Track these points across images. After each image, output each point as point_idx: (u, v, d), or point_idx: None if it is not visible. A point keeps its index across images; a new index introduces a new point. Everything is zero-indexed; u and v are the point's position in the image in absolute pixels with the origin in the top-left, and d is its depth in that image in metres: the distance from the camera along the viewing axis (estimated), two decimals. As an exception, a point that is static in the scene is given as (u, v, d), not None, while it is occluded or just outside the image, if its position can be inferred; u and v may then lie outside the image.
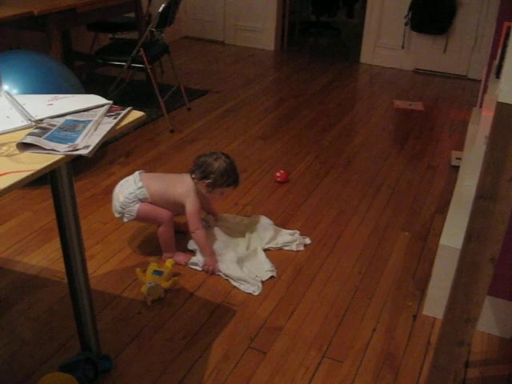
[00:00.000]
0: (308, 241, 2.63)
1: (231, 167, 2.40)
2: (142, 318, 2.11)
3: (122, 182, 2.45)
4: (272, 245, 2.55)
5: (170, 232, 2.42)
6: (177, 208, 2.42)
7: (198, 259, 2.41)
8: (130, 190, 2.36)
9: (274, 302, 2.23)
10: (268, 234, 2.58)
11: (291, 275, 2.39)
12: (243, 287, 2.29)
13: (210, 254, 2.39)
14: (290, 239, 2.59)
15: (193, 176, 2.40)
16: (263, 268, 2.39)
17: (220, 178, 2.36)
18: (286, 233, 2.64)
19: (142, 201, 2.37)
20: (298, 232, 2.66)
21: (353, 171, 3.35)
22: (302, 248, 2.58)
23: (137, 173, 2.44)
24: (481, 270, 1.37)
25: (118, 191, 2.41)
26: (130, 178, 2.43)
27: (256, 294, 2.26)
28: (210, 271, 2.37)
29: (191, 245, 2.52)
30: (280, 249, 2.56)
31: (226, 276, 2.35)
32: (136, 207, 2.36)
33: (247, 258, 2.43)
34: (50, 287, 2.25)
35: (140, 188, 2.36)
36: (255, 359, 1.94)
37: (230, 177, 2.39)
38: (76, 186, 1.64)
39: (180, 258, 2.44)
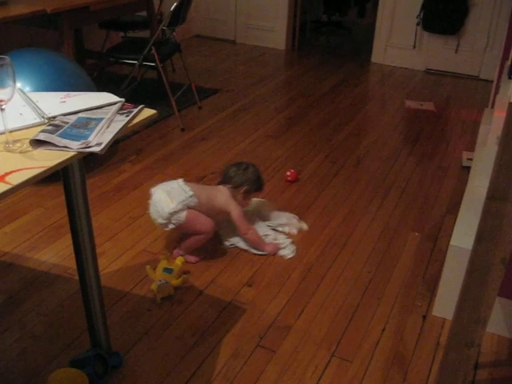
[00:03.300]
0: (305, 226, 2.73)
1: (259, 174, 2.64)
2: (152, 316, 2.12)
3: (163, 188, 2.44)
4: (269, 223, 2.71)
5: (205, 240, 2.45)
6: (219, 216, 2.54)
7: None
8: (181, 198, 2.37)
9: (284, 301, 2.23)
10: (266, 214, 2.75)
11: (301, 274, 2.39)
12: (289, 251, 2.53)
13: (268, 245, 2.54)
14: (285, 221, 2.71)
15: (227, 186, 2.56)
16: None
17: (253, 184, 2.58)
18: (283, 215, 2.76)
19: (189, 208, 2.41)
20: (297, 217, 2.77)
21: (363, 171, 3.34)
22: (294, 231, 2.68)
23: (181, 181, 2.47)
24: (491, 271, 1.37)
25: (162, 198, 2.39)
26: (174, 185, 2.44)
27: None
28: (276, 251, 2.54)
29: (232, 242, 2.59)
30: (274, 229, 2.67)
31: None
32: (184, 214, 2.37)
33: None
34: (61, 283, 2.27)
35: (191, 196, 2.40)
36: (264, 358, 1.95)
37: (260, 183, 2.63)
38: (87, 183, 1.65)
39: (192, 257, 2.45)
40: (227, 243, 2.58)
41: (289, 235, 2.65)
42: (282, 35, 6.02)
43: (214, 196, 2.51)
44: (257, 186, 2.61)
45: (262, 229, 2.63)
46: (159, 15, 4.61)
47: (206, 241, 2.46)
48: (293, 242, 2.59)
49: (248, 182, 2.56)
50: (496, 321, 2.07)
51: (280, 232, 2.66)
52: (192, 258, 2.44)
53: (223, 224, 2.62)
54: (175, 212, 2.35)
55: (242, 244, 2.56)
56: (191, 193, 2.40)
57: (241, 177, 2.56)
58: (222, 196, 2.52)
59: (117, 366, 1.86)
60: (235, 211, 2.51)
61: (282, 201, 2.96)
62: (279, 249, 2.54)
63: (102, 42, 4.85)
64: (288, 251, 2.53)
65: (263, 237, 2.58)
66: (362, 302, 2.24)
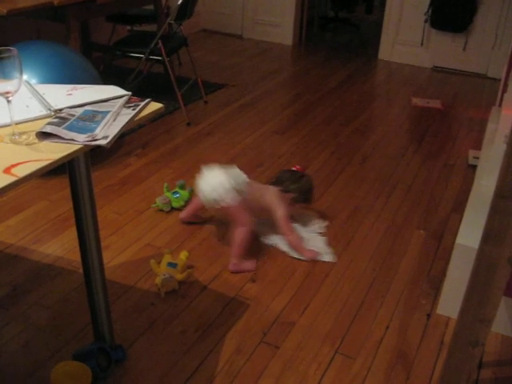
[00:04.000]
0: (326, 223, 2.74)
1: (311, 187, 2.66)
2: (156, 310, 2.12)
3: (218, 169, 2.45)
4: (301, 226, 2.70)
5: (248, 235, 2.42)
6: (262, 214, 2.55)
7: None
8: (239, 180, 2.43)
9: (288, 297, 2.23)
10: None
11: (305, 271, 2.39)
12: (329, 257, 2.50)
13: (307, 251, 2.49)
14: (313, 221, 2.73)
15: (278, 188, 2.58)
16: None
17: (302, 194, 2.61)
18: (307, 214, 2.77)
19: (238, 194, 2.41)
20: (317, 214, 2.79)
21: (369, 168, 3.33)
22: (323, 230, 2.69)
23: (235, 167, 2.52)
24: (497, 271, 1.36)
25: (220, 175, 2.41)
26: (231, 169, 2.48)
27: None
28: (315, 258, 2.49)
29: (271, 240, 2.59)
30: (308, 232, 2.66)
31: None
32: (237, 197, 2.38)
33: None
34: (65, 276, 2.27)
35: (247, 182, 2.45)
36: (268, 353, 1.94)
37: (309, 195, 2.66)
38: (92, 176, 1.64)
39: (248, 265, 2.40)
40: (268, 242, 2.57)
41: (322, 234, 2.64)
42: (289, 31, 6.00)
43: (263, 192, 2.55)
44: (305, 197, 2.63)
45: (298, 231, 2.62)
46: (166, 9, 4.60)
47: (249, 236, 2.42)
48: (329, 245, 2.57)
49: (298, 190, 2.59)
50: (501, 320, 2.06)
51: (315, 233, 2.65)
52: (250, 265, 2.39)
53: (265, 222, 2.61)
54: (232, 190, 2.37)
55: (281, 245, 2.54)
56: (247, 179, 2.46)
57: (293, 183, 2.59)
58: (271, 194, 2.55)
59: (120, 360, 1.86)
60: (281, 212, 2.51)
61: (287, 197, 2.95)
62: (319, 255, 2.49)
63: (109, 36, 4.84)
64: (327, 258, 2.48)
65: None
66: (366, 300, 2.24)
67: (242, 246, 2.39)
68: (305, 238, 2.58)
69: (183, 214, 2.66)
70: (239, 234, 2.40)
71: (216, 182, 2.39)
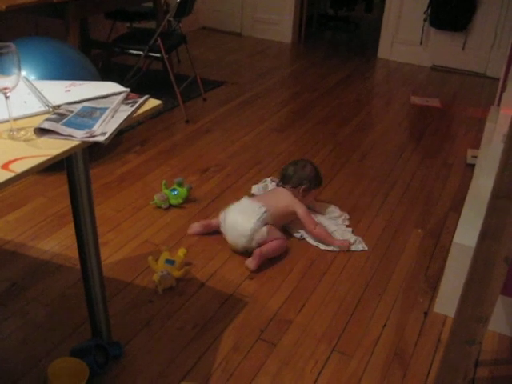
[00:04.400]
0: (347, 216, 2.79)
1: (317, 170, 2.72)
2: (153, 307, 2.12)
3: (234, 210, 2.45)
4: (326, 217, 2.74)
5: (284, 249, 2.47)
6: (289, 218, 2.59)
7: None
8: (257, 215, 2.41)
9: (285, 295, 2.23)
10: (315, 207, 2.79)
11: (303, 269, 2.39)
12: (361, 246, 2.56)
13: (337, 240, 2.54)
14: (338, 213, 2.76)
15: (287, 187, 2.64)
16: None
17: (313, 181, 2.68)
18: (329, 206, 2.81)
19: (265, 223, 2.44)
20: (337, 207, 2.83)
21: (367, 166, 3.33)
22: (347, 222, 2.73)
23: (246, 199, 2.53)
24: (494, 269, 1.36)
25: (239, 219, 2.40)
26: (243, 205, 2.47)
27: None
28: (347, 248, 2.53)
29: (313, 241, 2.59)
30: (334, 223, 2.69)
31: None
32: (265, 229, 2.40)
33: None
34: (63, 273, 2.27)
35: (265, 212, 2.43)
36: (265, 351, 1.95)
37: (319, 179, 2.72)
38: (90, 173, 1.64)
39: (256, 261, 2.37)
40: (297, 235, 2.60)
41: (348, 226, 2.70)
42: (289, 29, 6.00)
43: (279, 200, 2.56)
44: (315, 182, 2.69)
45: (323, 223, 2.64)
46: (165, 6, 4.59)
47: (284, 250, 2.47)
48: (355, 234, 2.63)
49: (307, 179, 2.64)
50: (497, 319, 2.07)
51: (342, 225, 2.69)
52: (252, 264, 2.37)
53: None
54: (256, 229, 2.37)
55: (309, 239, 2.57)
56: (264, 208, 2.43)
57: (300, 175, 2.64)
58: (285, 197, 2.58)
59: (117, 356, 1.87)
60: (301, 209, 2.55)
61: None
62: (350, 244, 2.54)
63: (108, 32, 4.83)
64: (360, 246, 2.54)
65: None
66: (363, 298, 2.24)
67: (275, 251, 2.43)
68: (332, 230, 2.62)
69: (194, 230, 2.58)
70: (278, 243, 2.43)
71: (239, 228, 2.39)
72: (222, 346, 1.96)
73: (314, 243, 2.55)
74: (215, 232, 2.54)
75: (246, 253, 2.41)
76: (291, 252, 2.49)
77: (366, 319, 2.13)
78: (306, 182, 2.64)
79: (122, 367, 1.84)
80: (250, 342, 1.98)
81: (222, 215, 2.48)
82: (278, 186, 2.72)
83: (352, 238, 2.58)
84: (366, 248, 2.53)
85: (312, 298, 2.22)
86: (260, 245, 2.38)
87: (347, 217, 2.76)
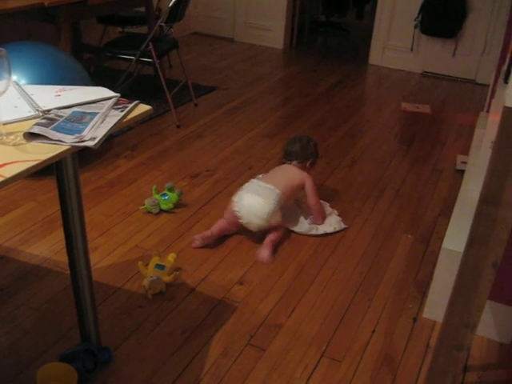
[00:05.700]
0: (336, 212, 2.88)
1: (316, 142, 2.85)
2: (143, 312, 2.12)
3: (249, 190, 2.52)
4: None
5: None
6: (297, 194, 2.71)
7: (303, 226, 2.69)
8: (273, 197, 2.49)
9: (275, 300, 2.23)
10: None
11: (293, 273, 2.40)
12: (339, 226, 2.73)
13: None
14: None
15: (294, 163, 2.73)
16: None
17: (316, 155, 2.82)
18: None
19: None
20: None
21: (357, 172, 3.35)
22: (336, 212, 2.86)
23: (258, 181, 2.59)
24: (482, 275, 1.37)
25: (256, 201, 2.47)
26: (256, 185, 2.54)
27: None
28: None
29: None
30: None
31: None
32: (280, 214, 2.51)
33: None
34: (52, 278, 2.26)
35: (278, 194, 2.50)
36: (254, 356, 1.95)
37: (317, 151, 2.84)
38: (80, 177, 1.64)
39: (267, 252, 2.49)
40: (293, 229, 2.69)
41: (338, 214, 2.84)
42: (281, 34, 6.02)
43: (289, 177, 2.65)
44: (317, 155, 2.83)
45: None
46: (157, 11, 4.59)
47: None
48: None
49: (313, 154, 2.78)
50: (486, 324, 2.08)
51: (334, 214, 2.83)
52: (267, 253, 2.46)
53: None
54: (272, 213, 2.45)
55: (297, 228, 2.67)
56: (277, 190, 2.50)
57: (306, 151, 2.75)
58: (295, 173, 2.67)
59: (106, 362, 1.86)
60: (311, 181, 2.67)
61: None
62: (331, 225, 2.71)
63: (100, 37, 4.83)
64: (338, 227, 2.71)
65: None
66: (353, 303, 2.25)
67: (278, 239, 2.54)
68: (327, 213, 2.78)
69: (196, 244, 2.54)
70: (279, 234, 2.54)
71: (256, 209, 2.46)
72: (212, 351, 1.96)
73: (301, 231, 2.66)
74: (217, 243, 2.55)
75: (240, 253, 2.41)
76: (282, 256, 2.49)
77: (356, 324, 2.13)
78: (313, 156, 2.77)
79: (111, 372, 1.84)
80: (240, 347, 1.98)
81: (236, 196, 2.53)
82: (283, 163, 2.78)
83: (336, 222, 2.73)
84: (345, 226, 2.74)
85: (302, 303, 2.23)
86: (273, 226, 2.48)
87: (336, 213, 2.84)
